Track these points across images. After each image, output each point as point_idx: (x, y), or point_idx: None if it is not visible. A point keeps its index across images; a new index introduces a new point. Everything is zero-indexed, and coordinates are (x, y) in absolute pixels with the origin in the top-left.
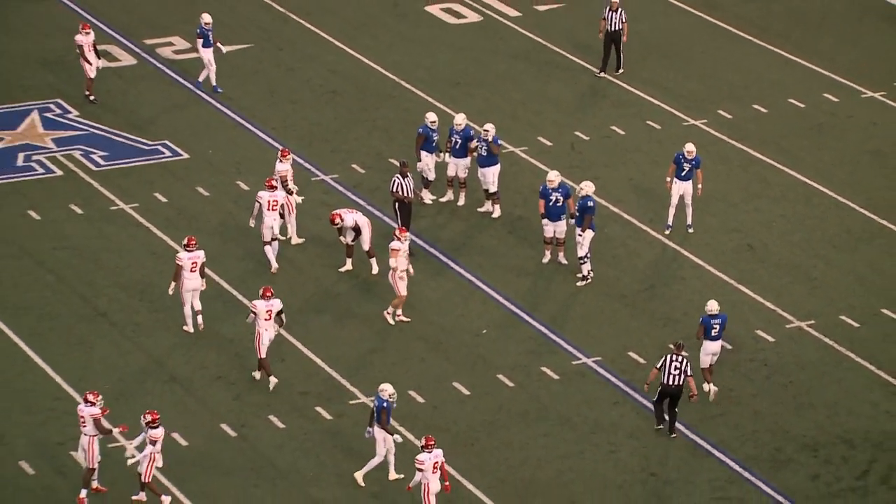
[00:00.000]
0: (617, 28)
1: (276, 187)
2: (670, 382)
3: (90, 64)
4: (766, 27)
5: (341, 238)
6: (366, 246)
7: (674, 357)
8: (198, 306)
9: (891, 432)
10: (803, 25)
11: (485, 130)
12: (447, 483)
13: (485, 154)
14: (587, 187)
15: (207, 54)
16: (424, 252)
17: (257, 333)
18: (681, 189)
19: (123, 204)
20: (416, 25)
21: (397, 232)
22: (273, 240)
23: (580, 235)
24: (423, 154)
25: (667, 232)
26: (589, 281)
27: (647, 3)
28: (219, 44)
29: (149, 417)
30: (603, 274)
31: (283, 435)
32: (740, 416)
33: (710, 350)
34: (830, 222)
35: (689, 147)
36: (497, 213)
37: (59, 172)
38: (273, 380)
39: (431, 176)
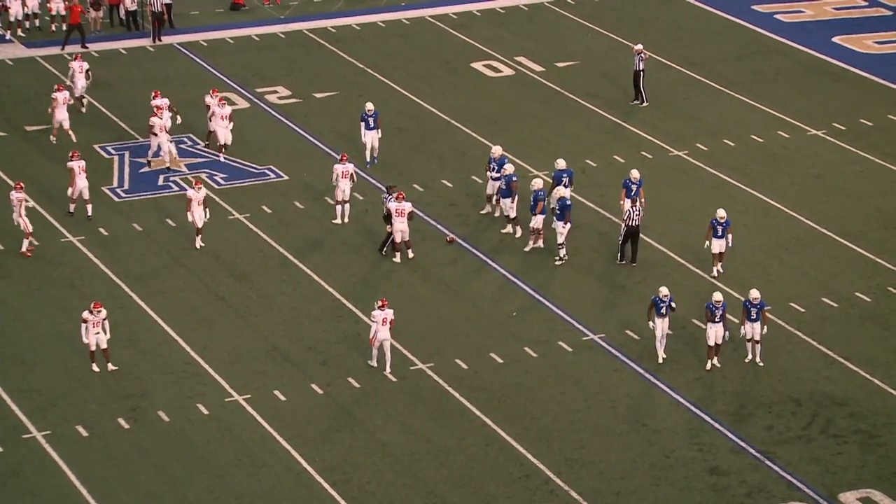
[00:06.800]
0: (639, 68)
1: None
2: (631, 224)
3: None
4: (734, 80)
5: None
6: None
7: (633, 207)
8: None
9: (828, 393)
10: (763, 79)
11: (504, 168)
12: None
13: (505, 188)
14: (563, 191)
15: (367, 136)
16: (469, 252)
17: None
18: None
19: (238, 214)
20: (463, 78)
21: None
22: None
23: (562, 226)
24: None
25: (619, 239)
26: (564, 261)
27: None
28: (379, 130)
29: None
30: (606, 270)
31: (359, 392)
32: (712, 380)
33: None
34: (783, 230)
35: (634, 173)
36: (518, 233)
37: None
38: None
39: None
